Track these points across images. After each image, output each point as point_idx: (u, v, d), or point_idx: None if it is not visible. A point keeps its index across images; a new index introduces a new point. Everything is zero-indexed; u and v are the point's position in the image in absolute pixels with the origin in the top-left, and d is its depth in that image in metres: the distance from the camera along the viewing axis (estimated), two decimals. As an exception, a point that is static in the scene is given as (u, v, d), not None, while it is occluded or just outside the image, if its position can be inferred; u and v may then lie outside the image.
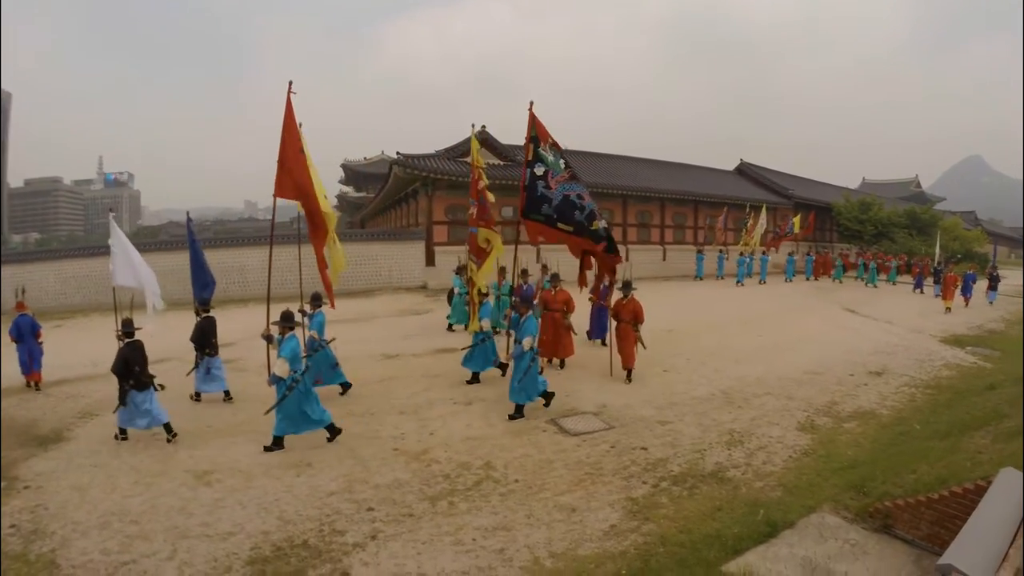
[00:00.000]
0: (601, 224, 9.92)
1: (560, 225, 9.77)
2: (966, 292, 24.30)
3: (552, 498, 6.65)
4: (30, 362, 11.02)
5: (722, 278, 32.14)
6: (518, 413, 9.24)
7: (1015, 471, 4.88)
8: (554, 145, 9.80)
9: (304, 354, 8.51)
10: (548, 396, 9.66)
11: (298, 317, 8.86)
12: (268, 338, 8.19)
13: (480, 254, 11.61)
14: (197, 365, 9.97)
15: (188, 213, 12.98)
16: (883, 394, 10.65)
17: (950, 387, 11.08)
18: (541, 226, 9.88)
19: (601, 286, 14.06)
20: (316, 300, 10.13)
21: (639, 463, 7.59)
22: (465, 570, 5.30)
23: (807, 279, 32.83)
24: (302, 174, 8.45)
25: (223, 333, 10.69)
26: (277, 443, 7.94)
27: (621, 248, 29.95)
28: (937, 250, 31.84)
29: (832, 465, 7.47)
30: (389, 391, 10.62)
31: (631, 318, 11.31)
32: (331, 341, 10.10)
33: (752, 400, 10.22)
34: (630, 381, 11.14)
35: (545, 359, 11.98)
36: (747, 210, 33.32)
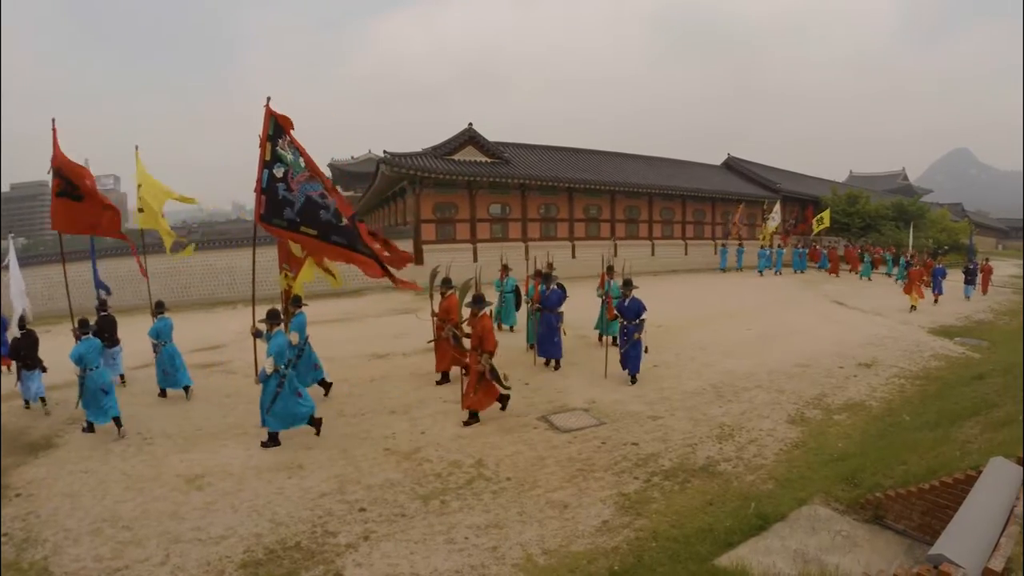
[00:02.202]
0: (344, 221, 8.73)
1: (304, 229, 8.76)
2: (936, 288, 22.26)
3: (544, 495, 6.66)
4: None
5: (741, 270, 33.70)
6: (271, 441, 8.12)
7: (1005, 460, 4.92)
8: (293, 142, 8.80)
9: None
10: (315, 422, 8.43)
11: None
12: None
13: (294, 263, 10.38)
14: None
15: (91, 238, 13.39)
16: (873, 386, 10.72)
17: (939, 378, 11.16)
18: (285, 232, 8.96)
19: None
20: (159, 307, 10.64)
21: (630, 458, 7.60)
22: (458, 569, 5.29)
23: (796, 272, 33.24)
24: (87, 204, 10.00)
25: (216, 335, 10.79)
26: (90, 427, 8.70)
27: (608, 244, 30.33)
28: (910, 241, 31.37)
29: (823, 457, 7.52)
30: (379, 391, 10.60)
31: (476, 343, 8.96)
32: (164, 344, 10.17)
33: (742, 394, 10.26)
34: (466, 424, 8.84)
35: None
36: (764, 205, 35.71)
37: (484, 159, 27.64)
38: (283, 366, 8.12)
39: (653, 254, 33.49)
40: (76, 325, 8.97)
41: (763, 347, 13.78)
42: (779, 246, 33.96)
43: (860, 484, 6.45)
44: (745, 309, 19.67)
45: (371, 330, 16.27)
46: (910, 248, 30.85)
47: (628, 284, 11.04)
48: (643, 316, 10.68)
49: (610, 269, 13.83)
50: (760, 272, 32.03)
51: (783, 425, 8.77)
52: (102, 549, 5.64)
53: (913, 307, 19.84)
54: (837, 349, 13.52)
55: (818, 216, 36.00)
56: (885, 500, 5.86)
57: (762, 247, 33.17)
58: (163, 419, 9.23)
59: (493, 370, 8.82)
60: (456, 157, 27.01)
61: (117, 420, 8.56)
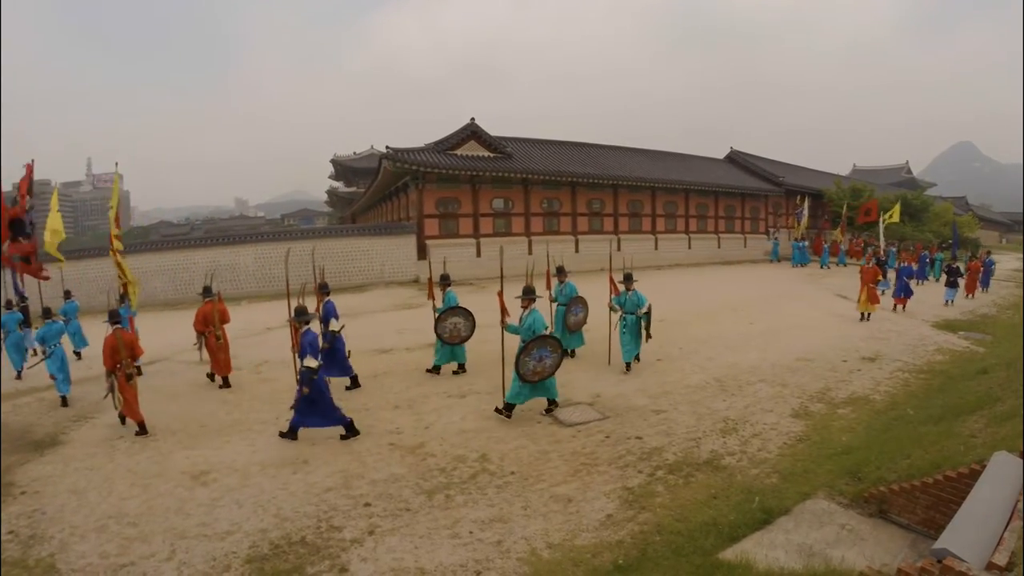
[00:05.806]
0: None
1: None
2: (901, 291, 18.87)
3: (548, 489, 6.67)
4: None
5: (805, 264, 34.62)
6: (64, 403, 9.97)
7: (1009, 455, 4.92)
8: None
9: None
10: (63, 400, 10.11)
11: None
12: None
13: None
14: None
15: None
16: (876, 379, 10.70)
17: (943, 372, 11.13)
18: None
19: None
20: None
21: (634, 452, 7.61)
22: (463, 563, 5.31)
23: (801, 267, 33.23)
24: None
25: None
26: None
27: (612, 237, 30.28)
28: (881, 237, 27.72)
29: (826, 451, 7.50)
30: (383, 386, 10.62)
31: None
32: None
33: (746, 387, 10.25)
34: (137, 434, 8.49)
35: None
36: (797, 199, 36.69)
37: (486, 154, 27.62)
38: None
39: (656, 248, 33.49)
40: None
41: (766, 341, 13.76)
42: (803, 239, 35.09)
43: (864, 478, 6.44)
44: (748, 303, 19.64)
45: (374, 325, 16.28)
46: (880, 240, 27.00)
47: (301, 313, 8.25)
48: (307, 362, 7.78)
49: (560, 269, 12.21)
50: (794, 265, 33.31)
51: (787, 419, 8.76)
52: (108, 546, 5.67)
53: (864, 314, 16.49)
54: (840, 343, 13.50)
55: (889, 211, 31.57)
56: (889, 494, 5.85)
57: (796, 240, 34.71)
58: (167, 416, 9.26)
59: (112, 388, 8.60)
60: (458, 152, 26.99)
61: None
